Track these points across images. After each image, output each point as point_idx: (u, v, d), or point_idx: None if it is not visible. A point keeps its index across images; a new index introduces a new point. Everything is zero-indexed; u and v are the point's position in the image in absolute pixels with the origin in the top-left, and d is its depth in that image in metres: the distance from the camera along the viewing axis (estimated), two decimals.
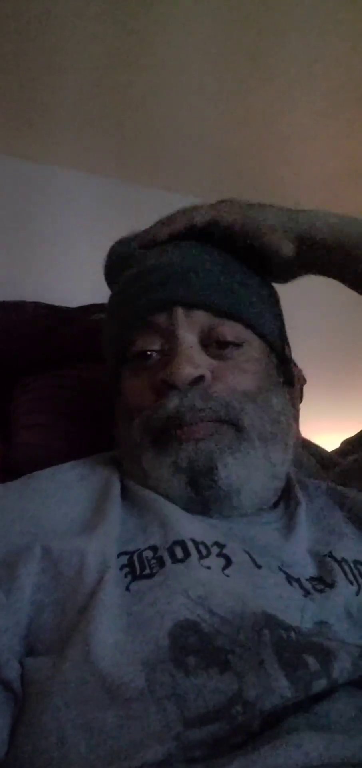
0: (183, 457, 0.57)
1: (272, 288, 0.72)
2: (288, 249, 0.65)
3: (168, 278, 0.62)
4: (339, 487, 0.69)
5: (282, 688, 0.40)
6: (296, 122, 1.73)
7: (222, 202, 0.67)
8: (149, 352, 0.62)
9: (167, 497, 0.59)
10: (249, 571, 0.52)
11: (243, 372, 0.62)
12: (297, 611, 0.49)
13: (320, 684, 0.42)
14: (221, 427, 0.59)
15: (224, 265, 0.66)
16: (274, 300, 0.72)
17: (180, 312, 0.61)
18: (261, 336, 0.66)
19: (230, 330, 0.63)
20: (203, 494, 0.58)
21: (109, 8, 1.34)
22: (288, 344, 0.74)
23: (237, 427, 0.59)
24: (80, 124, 1.67)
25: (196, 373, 0.58)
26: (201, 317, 0.62)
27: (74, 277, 1.33)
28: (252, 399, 0.61)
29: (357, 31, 1.42)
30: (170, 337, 0.61)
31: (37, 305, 0.97)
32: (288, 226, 0.64)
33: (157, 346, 0.62)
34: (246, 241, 0.65)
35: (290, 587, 0.52)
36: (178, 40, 1.43)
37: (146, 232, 0.68)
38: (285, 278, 0.69)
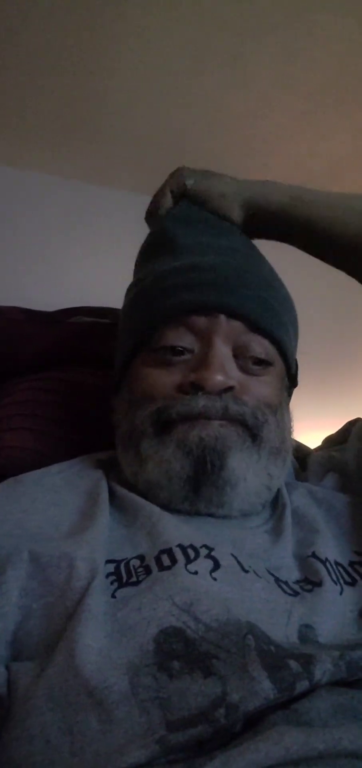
0: (194, 435, 0.57)
1: (295, 308, 0.73)
2: (234, 213, 0.69)
3: (216, 282, 0.62)
4: (317, 487, 0.69)
5: (265, 690, 0.41)
6: (275, 124, 1.74)
7: (175, 172, 0.73)
8: (179, 349, 0.61)
9: (163, 481, 0.59)
10: (237, 576, 0.52)
11: (268, 387, 0.64)
12: (283, 615, 0.50)
13: (303, 685, 0.42)
14: (239, 428, 0.60)
15: (267, 279, 0.68)
16: (296, 322, 0.73)
17: (222, 320, 0.61)
18: (284, 357, 0.67)
19: (261, 347, 0.63)
20: (203, 478, 0.58)
21: (86, 14, 1.34)
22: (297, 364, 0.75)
23: (254, 436, 0.60)
24: (56, 129, 1.68)
25: (228, 383, 0.59)
26: (238, 329, 0.62)
27: (51, 281, 1.33)
28: (274, 413, 0.63)
29: (332, 34, 1.44)
30: (205, 340, 0.61)
31: (16, 309, 0.96)
32: (238, 194, 0.69)
33: (188, 345, 0.62)
34: (200, 204, 0.70)
35: (277, 590, 0.52)
36: (155, 45, 1.44)
37: (153, 207, 0.74)
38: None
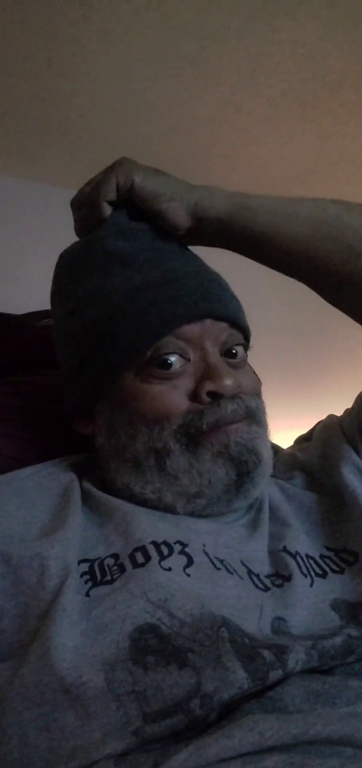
0: (235, 444, 0.59)
1: None
2: (182, 220, 0.67)
3: (200, 289, 0.64)
4: (287, 483, 0.70)
5: (239, 679, 0.42)
6: (240, 128, 1.77)
7: (118, 164, 0.68)
8: (171, 361, 0.62)
9: (204, 490, 0.60)
10: (209, 572, 0.53)
11: (251, 376, 0.68)
12: (256, 609, 0.51)
13: (276, 674, 0.43)
14: (250, 421, 0.62)
15: (223, 280, 0.70)
16: None
17: (210, 324, 0.63)
18: (247, 348, 0.71)
19: (239, 341, 0.67)
20: (245, 478, 0.60)
21: (51, 17, 1.34)
22: None
23: (259, 422, 0.64)
24: (25, 132, 1.67)
25: (237, 382, 0.62)
26: (223, 329, 0.64)
27: (21, 285, 1.32)
28: (260, 398, 0.67)
29: (295, 39, 1.47)
30: (198, 348, 0.62)
31: None
32: (186, 198, 0.66)
33: (185, 356, 0.62)
34: (142, 204, 0.67)
35: (249, 586, 0.53)
36: (119, 49, 1.45)
37: (86, 218, 0.69)
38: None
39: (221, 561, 0.55)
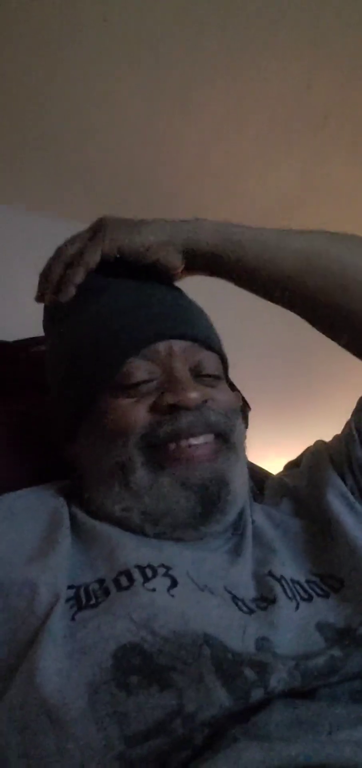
0: (196, 476, 0.60)
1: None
2: (176, 261, 0.69)
3: (163, 313, 0.67)
4: (274, 509, 0.71)
5: (221, 698, 0.42)
6: (227, 160, 1.80)
7: (102, 227, 0.68)
8: (143, 380, 0.64)
9: (167, 512, 0.60)
10: (193, 592, 0.54)
11: (227, 394, 0.69)
12: (239, 630, 0.51)
13: (258, 693, 0.43)
14: (219, 442, 0.64)
15: (196, 305, 0.73)
16: None
17: (176, 344, 0.66)
18: (225, 368, 0.74)
19: (212, 362, 0.69)
20: (209, 509, 0.60)
21: (39, 44, 1.36)
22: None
23: (228, 441, 0.65)
24: (19, 162, 1.69)
25: (204, 396, 0.63)
26: (192, 350, 0.67)
27: (15, 312, 1.32)
28: (237, 417, 0.68)
29: (278, 77, 1.51)
30: (167, 367, 0.64)
31: None
32: (175, 239, 0.68)
33: (152, 376, 0.65)
34: (135, 260, 0.68)
35: (232, 607, 0.54)
36: (108, 77, 1.48)
37: (51, 287, 0.68)
38: (172, 280, 0.74)
39: (205, 585, 0.55)
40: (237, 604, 0.54)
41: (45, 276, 0.71)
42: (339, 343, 0.70)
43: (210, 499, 0.60)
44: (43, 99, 1.51)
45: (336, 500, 0.67)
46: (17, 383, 0.91)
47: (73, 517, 0.64)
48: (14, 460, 0.80)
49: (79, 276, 0.66)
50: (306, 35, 1.40)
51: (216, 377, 0.69)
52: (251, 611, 0.54)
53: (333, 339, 0.71)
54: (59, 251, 0.70)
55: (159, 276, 0.70)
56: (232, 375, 1.50)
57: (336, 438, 0.74)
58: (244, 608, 0.54)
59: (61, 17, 1.30)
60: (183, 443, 0.61)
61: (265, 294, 0.71)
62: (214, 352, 0.70)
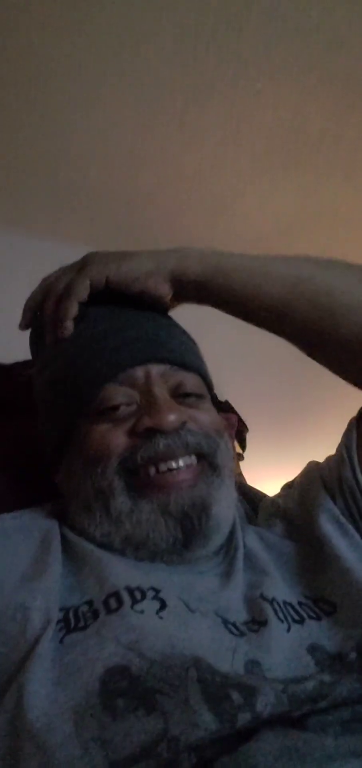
0: (176, 503, 0.60)
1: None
2: (164, 290, 0.69)
3: (141, 337, 0.67)
4: (267, 532, 0.70)
5: (206, 721, 0.41)
6: (225, 183, 1.82)
7: (89, 261, 0.69)
8: (120, 405, 0.64)
9: (146, 539, 0.60)
10: (183, 615, 0.53)
11: (210, 415, 0.68)
12: (228, 652, 0.50)
13: (244, 717, 0.42)
14: (204, 465, 0.63)
15: (177, 329, 0.73)
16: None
17: (154, 368, 0.66)
18: (209, 389, 0.73)
19: (194, 383, 0.68)
20: (191, 535, 0.60)
21: (41, 72, 1.39)
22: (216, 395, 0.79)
23: (212, 463, 0.64)
24: (17, 186, 1.71)
25: (182, 418, 0.63)
26: (171, 372, 0.67)
27: (10, 335, 1.32)
28: (221, 437, 0.67)
29: (275, 100, 1.53)
30: (145, 391, 0.64)
31: None
32: (162, 268, 0.68)
33: (130, 400, 0.64)
34: (124, 290, 0.68)
35: (223, 629, 0.53)
36: (109, 105, 1.50)
37: (51, 330, 0.69)
38: (161, 309, 0.74)
39: (196, 608, 0.55)
40: (227, 627, 0.54)
41: (30, 308, 0.72)
42: (332, 370, 0.70)
43: (190, 525, 0.60)
44: (42, 122, 1.53)
45: (328, 523, 0.66)
46: (14, 404, 0.91)
47: (63, 538, 0.63)
48: (9, 480, 0.80)
49: (73, 309, 0.67)
50: (301, 60, 1.42)
51: (198, 396, 0.68)
52: (242, 634, 0.54)
53: (323, 365, 0.70)
54: (48, 286, 0.70)
55: (142, 304, 0.70)
56: (230, 396, 1.51)
57: (328, 459, 0.74)
58: (235, 631, 0.54)
59: (61, 44, 1.32)
60: (163, 467, 0.61)
61: (254, 321, 0.70)
62: (195, 373, 0.70)
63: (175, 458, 0.61)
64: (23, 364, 1.00)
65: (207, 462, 0.64)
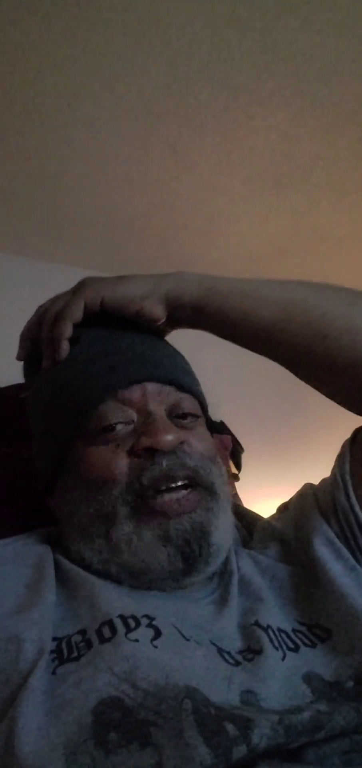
0: (175, 530, 0.59)
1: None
2: (159, 312, 0.69)
3: (139, 356, 0.67)
4: (262, 556, 0.70)
5: (201, 755, 0.40)
6: (218, 206, 1.84)
7: (84, 285, 0.69)
8: (117, 425, 0.64)
9: (146, 567, 0.59)
10: (178, 643, 0.52)
11: (204, 439, 0.69)
12: (224, 681, 0.49)
13: (240, 750, 0.41)
14: (202, 492, 0.63)
15: (172, 350, 0.74)
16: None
17: (151, 387, 0.66)
18: (204, 411, 0.73)
19: (190, 404, 0.69)
20: (192, 562, 0.60)
21: (37, 102, 1.41)
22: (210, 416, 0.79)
23: (209, 489, 0.64)
24: (13, 210, 1.72)
25: (180, 438, 0.63)
26: (168, 392, 0.67)
27: (5, 358, 1.33)
28: (215, 463, 0.67)
29: (267, 125, 1.56)
30: (143, 411, 0.64)
31: None
32: (157, 291, 0.69)
33: (127, 420, 0.64)
34: (119, 312, 0.69)
35: (218, 658, 0.52)
36: (105, 133, 1.52)
37: (48, 352, 0.69)
38: (156, 332, 0.74)
39: (190, 636, 0.54)
40: (222, 656, 0.53)
41: (26, 336, 0.72)
42: (324, 393, 0.70)
43: (190, 552, 0.60)
44: (39, 148, 1.54)
45: (323, 546, 0.65)
46: (8, 428, 0.91)
47: (57, 565, 0.63)
48: (9, 505, 0.80)
49: (67, 329, 0.67)
50: (292, 87, 1.45)
51: (194, 416, 0.69)
52: (237, 663, 0.53)
53: (316, 388, 0.70)
54: (44, 312, 0.71)
55: (138, 327, 0.70)
56: (225, 417, 1.51)
57: (323, 482, 0.74)
58: (231, 660, 0.53)
59: (58, 75, 1.34)
60: (163, 487, 0.60)
61: (248, 345, 0.71)
62: (190, 394, 0.70)
63: (175, 480, 0.61)
64: (15, 387, 1.00)
65: (205, 487, 0.63)
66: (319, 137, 1.61)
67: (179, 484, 0.61)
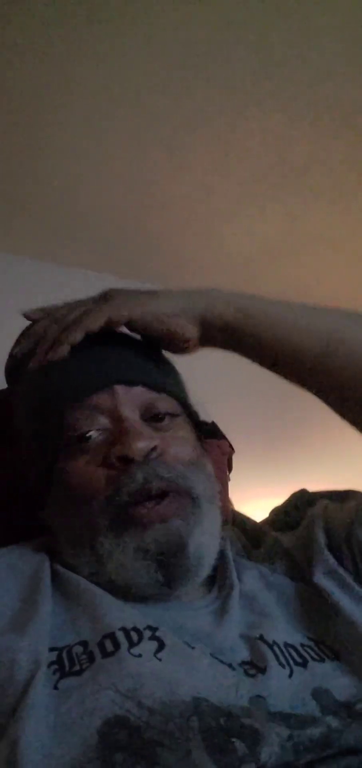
0: (150, 540, 0.57)
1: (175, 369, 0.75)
2: (192, 332, 0.66)
3: (106, 359, 0.64)
4: (268, 571, 0.68)
5: None
6: (212, 207, 1.84)
7: (109, 297, 0.66)
8: (89, 434, 0.61)
9: (130, 581, 0.57)
10: (183, 653, 0.51)
11: (184, 442, 0.65)
12: (232, 688, 0.49)
13: None
14: (181, 499, 0.60)
15: (146, 348, 0.69)
16: (182, 380, 0.75)
17: (121, 390, 0.63)
18: (187, 410, 0.69)
19: (166, 403, 0.65)
20: (172, 574, 0.57)
21: (33, 99, 1.40)
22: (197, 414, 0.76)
23: (192, 498, 0.61)
24: (7, 207, 1.71)
25: (151, 444, 0.59)
26: (140, 393, 0.63)
27: None
28: (196, 466, 0.63)
29: (262, 127, 1.56)
30: (114, 416, 0.61)
31: None
32: (189, 310, 0.66)
33: (98, 426, 0.61)
34: (146, 331, 0.65)
35: (223, 666, 0.51)
36: (101, 133, 1.52)
37: (44, 349, 0.65)
38: (183, 353, 0.70)
39: (194, 645, 0.53)
40: (226, 665, 0.52)
41: (28, 335, 0.68)
42: (355, 427, 0.65)
43: (169, 564, 0.57)
44: (35, 150, 1.54)
45: (324, 577, 0.63)
46: (7, 429, 0.89)
47: (54, 573, 0.61)
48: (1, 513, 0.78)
49: (76, 336, 0.63)
50: (288, 89, 1.46)
51: (173, 415, 0.65)
52: (243, 673, 0.52)
53: (349, 422, 0.66)
54: (56, 314, 0.67)
55: (169, 343, 0.67)
56: (216, 417, 1.51)
57: (335, 511, 0.70)
58: (234, 669, 0.52)
59: (57, 75, 1.34)
60: (142, 507, 0.58)
61: (282, 373, 0.66)
62: (165, 393, 0.66)
63: (150, 491, 0.58)
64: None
65: (183, 493, 0.60)
66: (315, 140, 1.62)
67: (154, 494, 0.58)
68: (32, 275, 1.79)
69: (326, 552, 0.65)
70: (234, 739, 0.42)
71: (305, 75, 1.42)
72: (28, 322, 0.71)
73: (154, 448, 0.60)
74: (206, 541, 0.60)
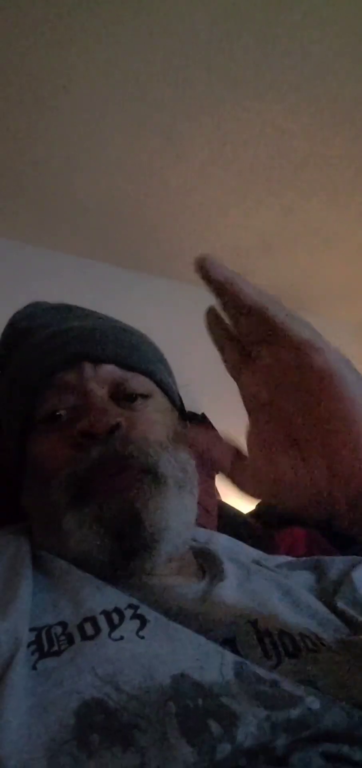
0: (106, 510, 0.56)
1: (161, 351, 0.74)
2: None
3: (74, 337, 0.64)
4: (279, 575, 0.67)
5: (185, 755, 0.40)
6: (209, 198, 1.83)
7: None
8: (59, 412, 0.61)
9: (89, 556, 0.57)
10: (166, 628, 0.51)
11: (154, 422, 0.64)
12: (217, 656, 0.48)
13: (224, 749, 0.41)
14: (142, 475, 0.59)
15: (123, 327, 0.69)
16: (166, 362, 0.74)
17: (88, 367, 0.62)
18: (164, 391, 0.68)
19: (138, 383, 0.64)
20: (129, 546, 0.57)
21: (32, 84, 1.39)
22: (181, 398, 0.75)
23: (155, 474, 0.60)
24: (2, 192, 1.70)
25: (113, 421, 0.58)
26: (110, 371, 0.63)
27: None
28: (165, 448, 0.62)
29: (261, 119, 1.56)
30: (81, 393, 0.61)
31: None
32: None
33: (67, 405, 0.61)
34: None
35: (207, 641, 0.50)
36: (99, 118, 1.51)
37: None
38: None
39: (176, 617, 0.53)
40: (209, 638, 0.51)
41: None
42: None
43: (124, 535, 0.56)
44: (32, 135, 1.52)
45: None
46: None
47: (35, 555, 0.61)
48: None
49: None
50: (288, 81, 1.45)
51: (143, 396, 0.64)
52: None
53: None
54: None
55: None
56: (207, 409, 1.51)
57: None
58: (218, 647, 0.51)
59: (55, 60, 1.32)
60: (99, 480, 0.57)
61: None
62: (139, 372, 0.65)
63: (110, 466, 0.57)
64: None
65: (145, 470, 0.59)
66: (314, 134, 1.61)
67: (113, 470, 0.58)
68: (27, 260, 1.78)
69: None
70: (209, 720, 0.42)
71: (306, 68, 1.41)
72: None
73: (117, 425, 0.59)
74: (171, 520, 0.59)
